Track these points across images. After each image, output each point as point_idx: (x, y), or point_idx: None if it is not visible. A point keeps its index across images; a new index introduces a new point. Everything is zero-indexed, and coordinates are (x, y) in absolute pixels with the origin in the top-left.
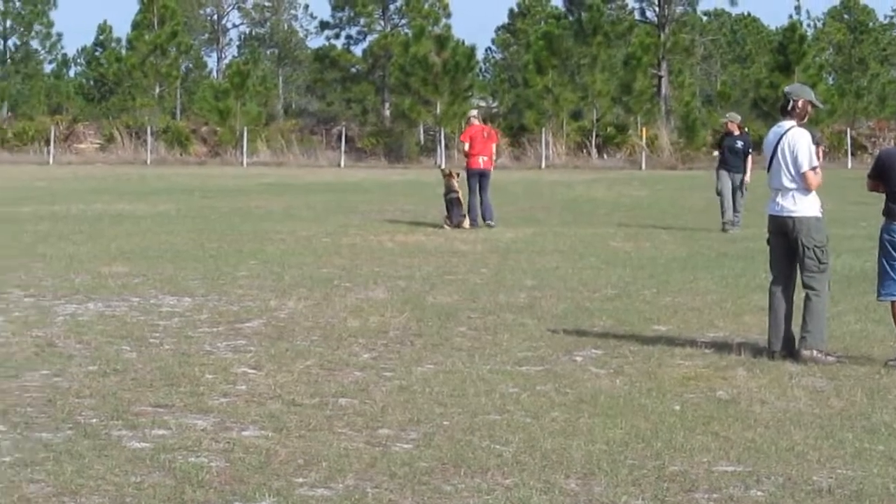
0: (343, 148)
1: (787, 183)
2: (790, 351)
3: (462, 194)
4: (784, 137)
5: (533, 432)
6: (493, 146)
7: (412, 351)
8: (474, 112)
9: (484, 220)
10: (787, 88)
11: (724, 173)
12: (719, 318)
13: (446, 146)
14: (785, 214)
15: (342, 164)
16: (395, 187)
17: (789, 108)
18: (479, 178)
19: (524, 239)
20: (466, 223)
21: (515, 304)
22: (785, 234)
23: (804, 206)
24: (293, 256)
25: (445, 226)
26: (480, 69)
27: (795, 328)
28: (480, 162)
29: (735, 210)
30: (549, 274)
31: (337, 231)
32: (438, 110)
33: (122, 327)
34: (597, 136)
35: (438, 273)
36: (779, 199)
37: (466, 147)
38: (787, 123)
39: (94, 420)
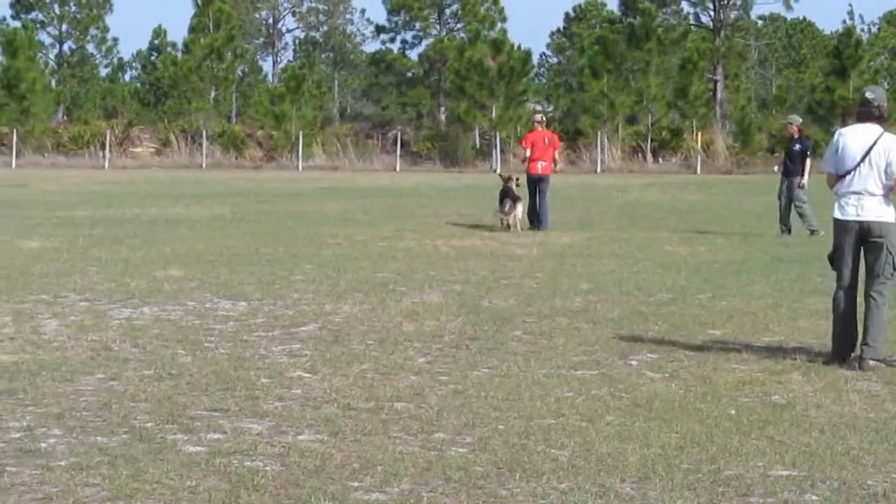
0: (398, 152)
1: (873, 188)
2: (847, 356)
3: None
4: (878, 143)
5: (588, 436)
6: (555, 152)
7: (467, 355)
8: (538, 116)
9: (538, 226)
10: (868, 93)
11: (784, 178)
12: (774, 322)
13: (501, 150)
14: (870, 219)
15: (397, 168)
16: (450, 191)
17: (876, 113)
18: (536, 184)
19: (580, 243)
20: (514, 221)
21: (571, 309)
22: (862, 238)
23: (889, 212)
24: (349, 261)
25: (500, 218)
26: (535, 73)
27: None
28: (539, 167)
29: (786, 214)
30: (604, 278)
31: (392, 235)
32: (494, 114)
33: (177, 331)
34: (652, 140)
35: (494, 277)
36: (860, 203)
37: (527, 153)
38: (874, 128)
39: (150, 424)
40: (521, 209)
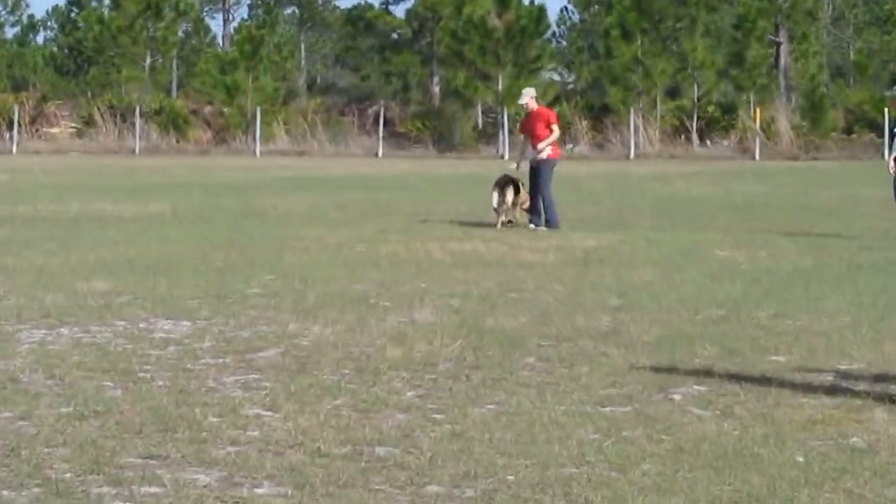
0: (381, 133)
1: None
2: None
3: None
4: None
5: (619, 490)
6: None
7: (468, 388)
8: (527, 99)
9: (539, 223)
10: None
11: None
12: (852, 346)
13: (510, 131)
14: None
15: (380, 153)
16: (446, 183)
17: None
18: (531, 170)
19: (608, 247)
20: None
21: (597, 329)
22: None
23: None
24: (319, 269)
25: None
26: (553, 34)
27: None
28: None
29: None
30: (639, 291)
31: (374, 237)
32: (500, 86)
33: (104, 358)
34: (699, 118)
35: (501, 290)
36: None
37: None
38: None
39: (69, 475)
40: (510, 196)
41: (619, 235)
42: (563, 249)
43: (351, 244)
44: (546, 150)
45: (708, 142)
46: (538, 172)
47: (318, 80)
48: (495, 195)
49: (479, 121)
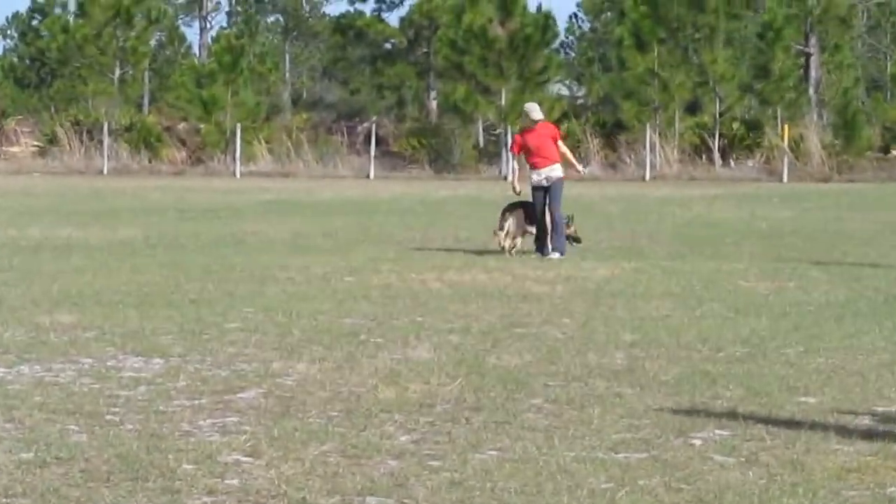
0: (373, 153)
1: None
2: None
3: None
4: None
5: None
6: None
7: (468, 432)
8: (533, 111)
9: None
10: None
11: None
12: (890, 386)
13: None
14: None
15: (371, 174)
16: (443, 206)
17: None
18: (539, 192)
19: (622, 277)
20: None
21: (610, 368)
22: None
23: None
24: (304, 302)
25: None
26: (561, 44)
27: None
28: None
29: None
30: (655, 326)
31: (365, 267)
32: (503, 101)
33: (68, 399)
34: (720, 136)
35: (504, 325)
36: None
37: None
38: None
39: None
40: (513, 223)
41: (633, 264)
42: (572, 280)
43: (339, 274)
44: (559, 168)
45: (731, 162)
46: (552, 193)
47: (304, 94)
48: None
49: (480, 139)
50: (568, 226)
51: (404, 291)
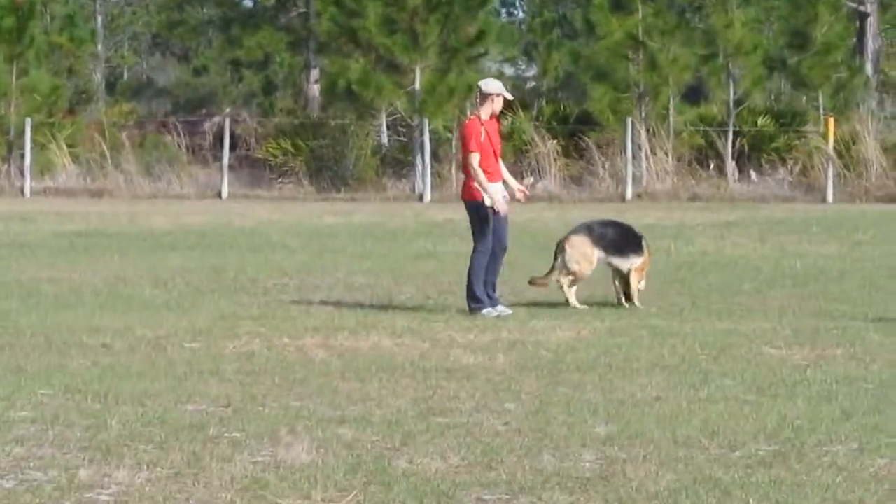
0: (226, 161)
1: None
2: None
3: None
4: None
5: None
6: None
7: None
8: (492, 86)
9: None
10: None
11: None
12: None
13: (434, 155)
14: None
15: (224, 191)
16: (331, 239)
17: None
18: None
19: (591, 342)
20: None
21: (574, 475)
22: None
23: None
24: (126, 380)
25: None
26: (504, 2)
27: None
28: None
29: None
30: (641, 413)
31: (216, 328)
32: (417, 84)
33: None
34: (737, 135)
35: (420, 412)
36: None
37: (476, 161)
38: None
39: None
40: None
41: (609, 323)
42: (519, 347)
43: (178, 339)
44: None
45: (751, 173)
46: (505, 218)
47: (125, 74)
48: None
49: (385, 138)
50: None
51: (273, 364)
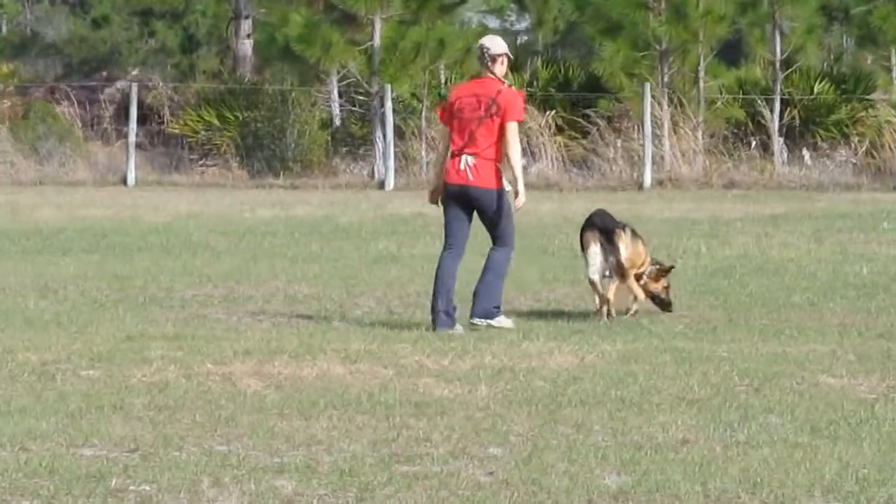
0: (133, 138)
1: None
2: None
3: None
4: None
5: None
6: (504, 129)
7: None
8: (494, 46)
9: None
10: None
11: None
12: None
13: (398, 131)
14: None
15: (131, 177)
16: (267, 237)
17: None
18: (460, 206)
19: (599, 369)
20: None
21: None
22: None
23: None
24: (5, 418)
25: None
26: None
27: None
28: (462, 168)
29: None
30: (664, 458)
31: (119, 351)
32: (377, 40)
33: None
34: (786, 104)
35: (380, 459)
36: None
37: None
38: None
39: None
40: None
41: (621, 345)
42: (506, 374)
43: (72, 365)
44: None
45: (804, 154)
46: (487, 213)
47: (4, 27)
48: (593, 251)
49: (336, 110)
50: (654, 275)
51: (193, 397)
